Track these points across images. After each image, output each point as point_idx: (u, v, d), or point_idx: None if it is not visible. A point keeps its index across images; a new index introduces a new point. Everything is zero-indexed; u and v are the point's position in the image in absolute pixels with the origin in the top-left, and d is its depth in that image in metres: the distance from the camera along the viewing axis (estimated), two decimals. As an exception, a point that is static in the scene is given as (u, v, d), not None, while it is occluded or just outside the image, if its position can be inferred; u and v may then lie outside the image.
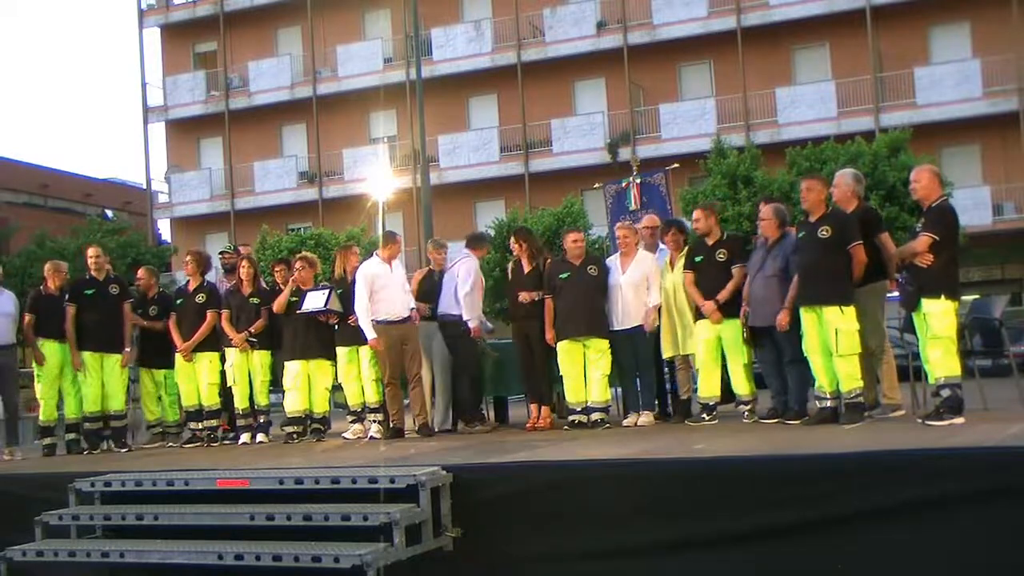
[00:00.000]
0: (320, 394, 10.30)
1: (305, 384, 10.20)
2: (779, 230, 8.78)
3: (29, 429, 12.37)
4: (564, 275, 9.63)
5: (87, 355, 10.63)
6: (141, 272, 11.33)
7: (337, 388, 10.62)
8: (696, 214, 9.34)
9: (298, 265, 10.45)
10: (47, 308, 10.55)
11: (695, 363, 9.31)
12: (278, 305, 10.26)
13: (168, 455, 10.05)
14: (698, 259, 9.19)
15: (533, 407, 9.86)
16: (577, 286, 9.49)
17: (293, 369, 10.19)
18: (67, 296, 10.59)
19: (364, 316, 9.70)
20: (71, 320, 10.48)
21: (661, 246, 9.98)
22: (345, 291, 10.10)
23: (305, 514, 6.63)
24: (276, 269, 10.83)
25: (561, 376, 9.61)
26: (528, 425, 9.74)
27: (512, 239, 10.22)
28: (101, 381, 10.67)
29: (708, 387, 9.19)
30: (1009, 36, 29.09)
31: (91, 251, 11.08)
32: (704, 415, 9.18)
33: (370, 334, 9.69)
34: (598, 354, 9.40)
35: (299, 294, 10.23)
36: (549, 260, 10.05)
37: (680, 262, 9.38)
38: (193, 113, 38.89)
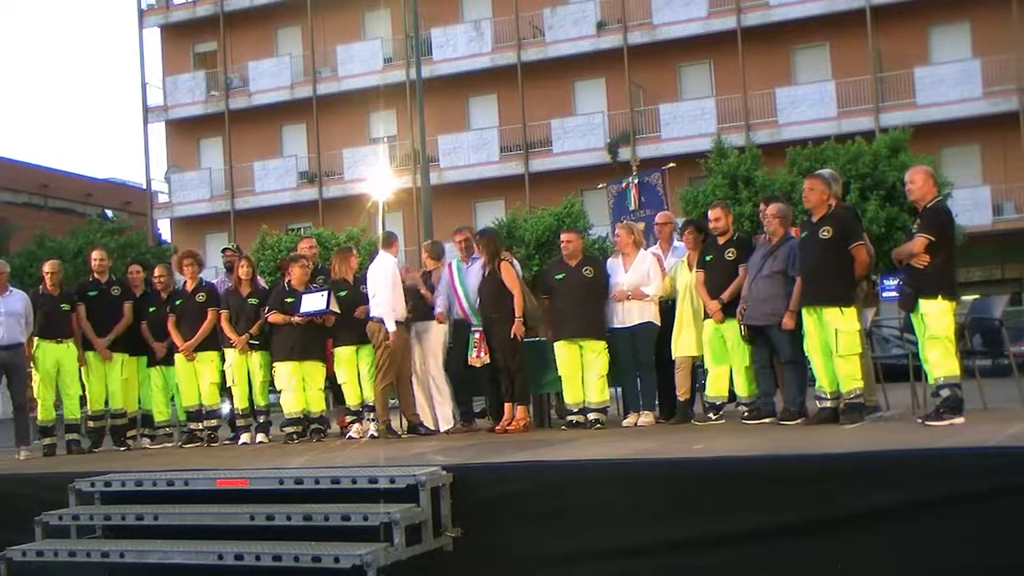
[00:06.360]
0: (315, 395, 10.27)
1: (300, 385, 10.16)
2: (782, 228, 8.80)
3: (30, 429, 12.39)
4: (559, 276, 9.64)
5: (90, 355, 10.78)
6: (159, 270, 11.19)
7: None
8: (716, 212, 9.26)
9: (302, 263, 10.43)
10: (45, 308, 10.59)
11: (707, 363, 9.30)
12: (275, 318, 10.16)
13: (168, 455, 10.05)
14: (708, 258, 9.18)
15: (507, 407, 9.66)
16: (572, 287, 9.48)
17: (286, 370, 10.14)
18: (75, 298, 10.77)
19: (392, 311, 9.70)
20: (82, 319, 10.67)
21: (677, 244, 10.00)
22: (347, 292, 10.10)
23: (305, 514, 6.63)
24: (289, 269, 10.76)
25: (557, 377, 9.60)
26: (498, 428, 9.57)
27: (478, 241, 10.00)
28: (105, 381, 10.83)
29: (715, 387, 9.20)
30: (1009, 36, 29.09)
31: (96, 254, 11.14)
32: (711, 415, 9.19)
33: (391, 327, 9.67)
34: (594, 355, 9.40)
35: (294, 295, 10.20)
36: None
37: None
38: (193, 113, 38.89)
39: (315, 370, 10.22)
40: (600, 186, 14.34)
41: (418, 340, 10.16)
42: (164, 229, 40.31)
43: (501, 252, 9.85)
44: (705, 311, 9.14)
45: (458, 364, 10.05)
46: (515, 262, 10.10)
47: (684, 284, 9.39)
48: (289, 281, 10.35)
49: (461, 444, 8.86)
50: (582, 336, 9.43)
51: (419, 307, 10.11)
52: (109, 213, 43.05)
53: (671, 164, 14.39)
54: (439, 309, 9.98)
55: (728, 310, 8.94)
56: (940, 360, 7.52)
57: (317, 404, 10.29)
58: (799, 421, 8.41)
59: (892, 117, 29.43)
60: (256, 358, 10.40)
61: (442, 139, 34.53)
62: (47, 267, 10.95)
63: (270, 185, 37.22)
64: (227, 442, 10.78)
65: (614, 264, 9.74)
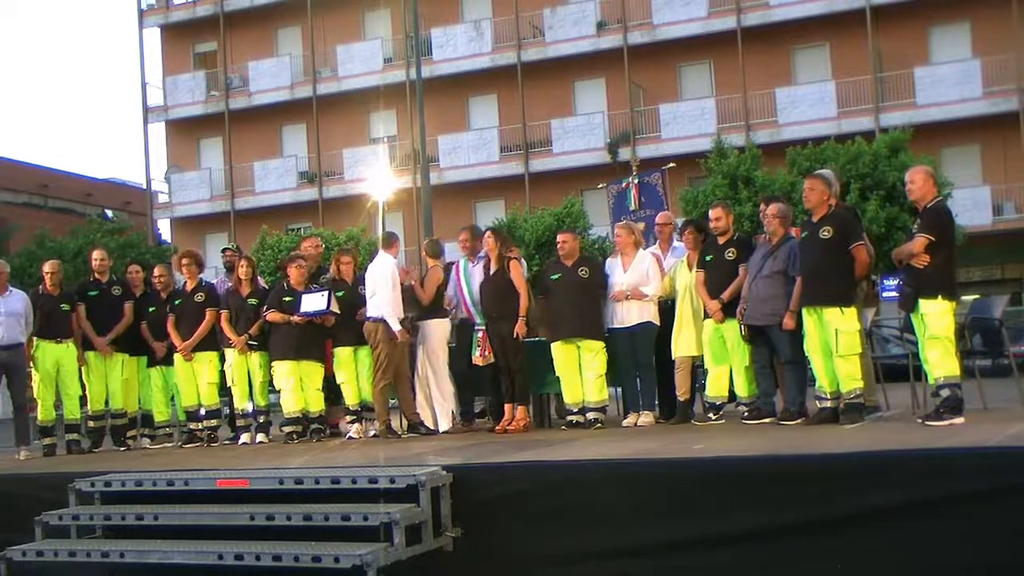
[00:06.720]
0: (313, 395, 10.25)
1: (299, 384, 10.14)
2: (782, 228, 8.80)
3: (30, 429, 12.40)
4: (555, 276, 9.65)
5: (90, 355, 10.78)
6: (158, 270, 11.18)
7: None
8: (717, 212, 9.26)
9: (299, 263, 10.42)
10: (45, 308, 10.59)
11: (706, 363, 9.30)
12: (273, 317, 10.14)
13: (168, 455, 10.05)
14: (708, 258, 9.18)
15: (507, 407, 9.68)
16: (567, 287, 9.49)
17: (284, 370, 10.13)
18: (75, 298, 10.78)
19: (393, 312, 9.71)
20: (82, 319, 10.69)
21: (676, 244, 9.99)
22: (345, 292, 10.10)
23: (305, 514, 6.63)
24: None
25: (557, 377, 9.59)
26: (498, 428, 9.58)
27: (488, 237, 9.93)
28: (105, 381, 10.84)
29: (715, 387, 9.20)
30: (1009, 36, 29.09)
31: (96, 254, 11.14)
32: (711, 415, 9.19)
33: (396, 326, 9.69)
34: (591, 354, 9.40)
35: (293, 295, 10.19)
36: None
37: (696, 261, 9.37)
38: (193, 113, 38.89)
39: (313, 370, 10.21)
40: (600, 186, 14.36)
41: (419, 339, 10.16)
42: (164, 229, 40.33)
43: (510, 251, 9.87)
44: (705, 311, 9.14)
45: (461, 363, 10.07)
46: (523, 261, 10.12)
47: (684, 284, 9.38)
48: (288, 281, 10.36)
49: (461, 444, 8.87)
50: (578, 336, 9.43)
51: (416, 307, 10.12)
52: (109, 213, 43.04)
53: (671, 164, 14.39)
54: (448, 293, 10.08)
55: (728, 310, 8.93)
56: (940, 360, 7.52)
57: (316, 404, 10.28)
58: (799, 421, 8.41)
59: (892, 117, 29.43)
60: (256, 358, 10.38)
61: (442, 139, 34.53)
62: (47, 267, 10.95)
63: (270, 185, 37.22)
64: (227, 442, 10.78)
65: (613, 264, 9.73)
